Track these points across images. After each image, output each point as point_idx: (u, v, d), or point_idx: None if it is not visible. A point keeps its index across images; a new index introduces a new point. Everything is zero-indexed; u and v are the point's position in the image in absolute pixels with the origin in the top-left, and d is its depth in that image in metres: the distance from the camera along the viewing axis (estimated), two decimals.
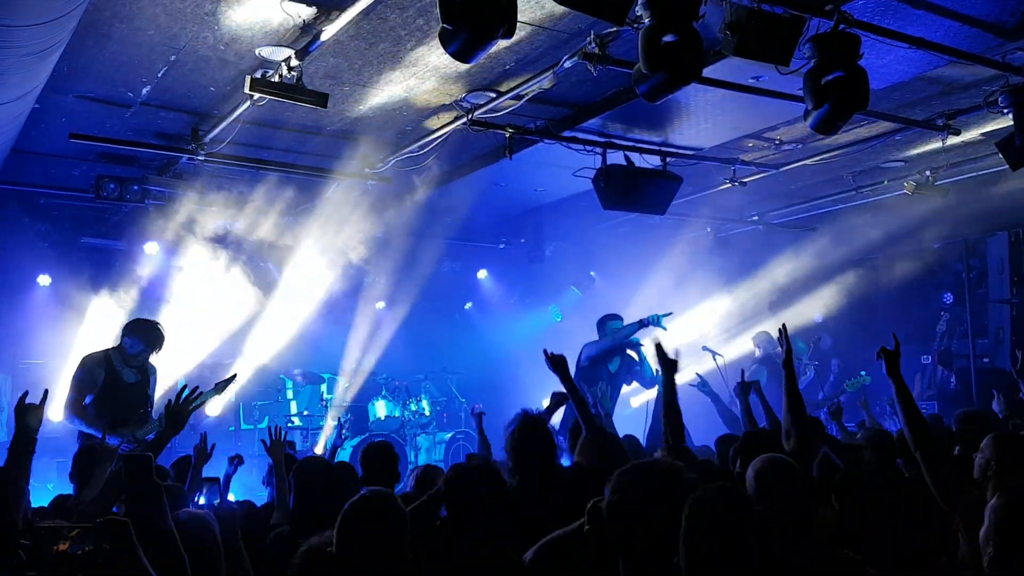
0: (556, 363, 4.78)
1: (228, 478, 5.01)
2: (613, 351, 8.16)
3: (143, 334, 6.16)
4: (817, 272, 11.06)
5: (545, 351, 4.84)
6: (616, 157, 7.57)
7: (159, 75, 6.07)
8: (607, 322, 8.35)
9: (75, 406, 5.93)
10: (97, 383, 6.01)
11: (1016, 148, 6.40)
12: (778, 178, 8.87)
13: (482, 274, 12.89)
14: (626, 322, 8.21)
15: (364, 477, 4.45)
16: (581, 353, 8.02)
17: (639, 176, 7.61)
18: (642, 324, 7.93)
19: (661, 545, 2.45)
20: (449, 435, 11.29)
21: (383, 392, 11.29)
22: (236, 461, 5.18)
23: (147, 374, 6.30)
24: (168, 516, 3.09)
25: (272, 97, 5.60)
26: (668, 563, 2.42)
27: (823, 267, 10.99)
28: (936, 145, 7.66)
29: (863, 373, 8.84)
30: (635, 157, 7.62)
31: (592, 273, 12.73)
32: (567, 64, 5.60)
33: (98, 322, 9.64)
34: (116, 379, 6.09)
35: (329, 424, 10.76)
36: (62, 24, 4.24)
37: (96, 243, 10.07)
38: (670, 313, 8.04)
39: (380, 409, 11.06)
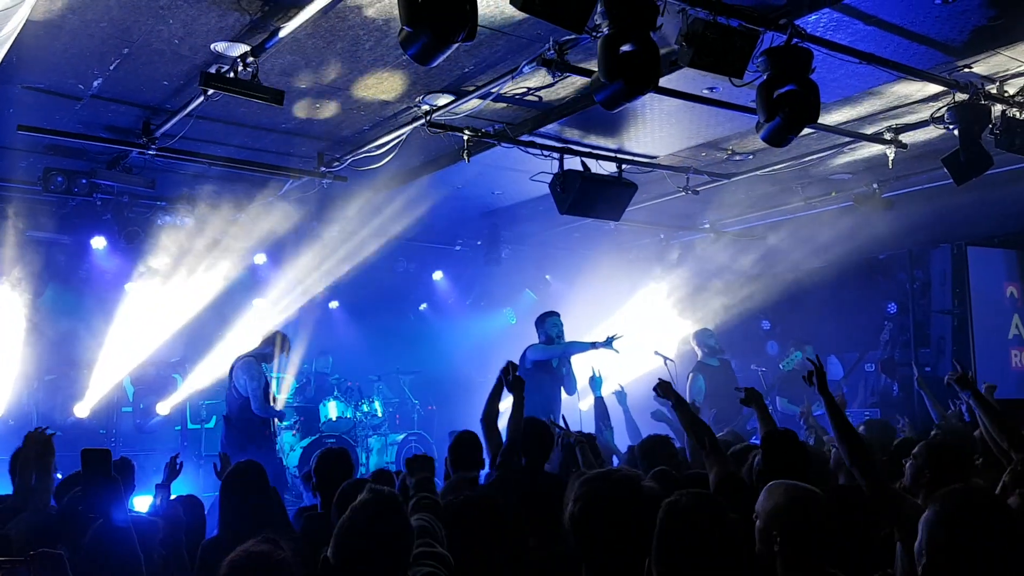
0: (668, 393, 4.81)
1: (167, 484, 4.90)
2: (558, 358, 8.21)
3: None
4: (765, 280, 11.26)
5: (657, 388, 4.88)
6: (573, 163, 7.62)
7: (111, 68, 5.96)
8: (546, 319, 8.37)
9: None
10: None
11: (961, 164, 6.56)
12: (730, 187, 9.02)
13: (437, 275, 12.87)
14: (570, 329, 8.24)
15: (318, 484, 4.40)
16: (525, 354, 8.04)
17: (595, 182, 7.67)
18: (594, 346, 7.98)
19: (624, 553, 2.43)
20: (401, 436, 11.25)
21: (335, 393, 11.22)
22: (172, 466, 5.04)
23: None
24: (126, 513, 3.02)
25: (227, 93, 5.54)
26: (633, 571, 2.40)
27: (772, 276, 11.20)
28: (883, 159, 7.85)
29: (794, 351, 9.07)
30: (591, 163, 7.68)
31: (547, 277, 12.80)
32: (526, 69, 5.63)
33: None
34: None
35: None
36: (9, 15, 4.15)
37: (41, 236, 9.85)
38: (621, 336, 8.04)
39: (332, 410, 10.99)
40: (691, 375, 9.27)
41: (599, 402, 7.08)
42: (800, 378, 4.34)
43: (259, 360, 7.89)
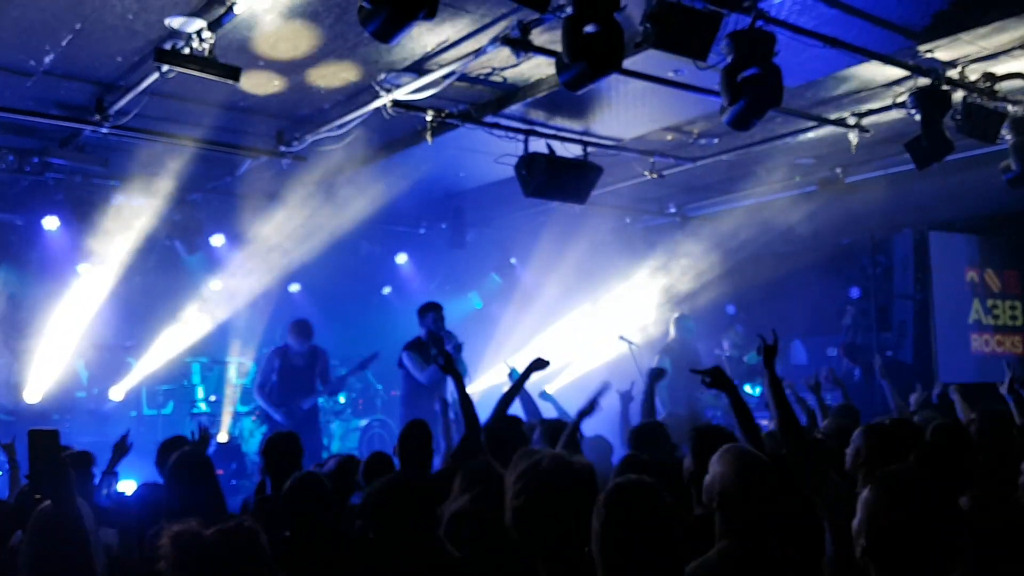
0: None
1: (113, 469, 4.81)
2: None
3: None
4: (730, 264, 11.31)
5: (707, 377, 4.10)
6: (538, 145, 7.56)
7: (63, 43, 5.77)
8: (428, 312, 8.04)
9: None
10: None
11: (923, 148, 6.63)
12: (695, 171, 9.02)
13: (401, 258, 12.74)
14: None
15: (266, 467, 4.34)
16: (402, 357, 7.97)
17: (560, 165, 7.62)
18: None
19: (570, 539, 2.45)
20: (365, 422, 11.15)
21: None
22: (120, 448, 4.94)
23: None
24: (75, 499, 2.93)
25: (182, 70, 5.39)
26: (579, 555, 2.42)
27: (736, 260, 11.25)
28: (846, 143, 7.89)
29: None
30: (557, 146, 7.63)
31: (512, 260, 12.74)
32: (489, 49, 5.55)
33: None
34: None
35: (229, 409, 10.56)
36: None
37: None
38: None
39: None
40: (658, 355, 9.28)
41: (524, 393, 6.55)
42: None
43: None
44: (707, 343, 10.79)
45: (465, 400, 4.59)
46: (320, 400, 10.74)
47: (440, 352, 4.33)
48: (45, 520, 2.98)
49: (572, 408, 5.37)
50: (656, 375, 6.22)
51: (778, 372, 3.79)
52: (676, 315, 10.07)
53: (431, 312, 8.00)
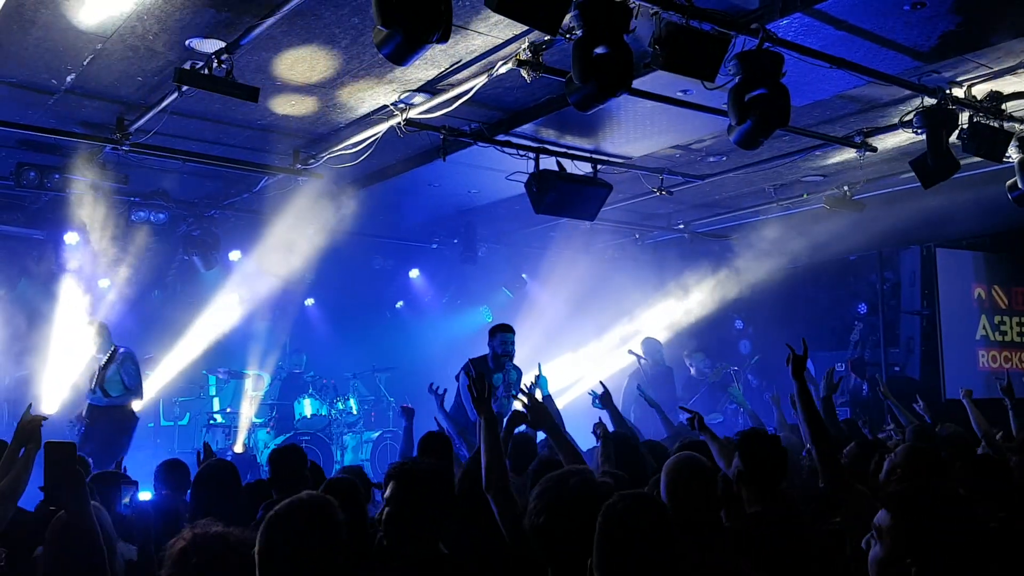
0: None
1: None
2: None
3: None
4: (739, 281, 11.38)
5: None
6: (549, 163, 7.66)
7: (84, 63, 5.92)
8: (497, 334, 7.47)
9: None
10: None
11: (929, 167, 6.66)
12: (703, 188, 9.11)
13: (414, 273, 12.87)
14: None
15: (272, 481, 4.40)
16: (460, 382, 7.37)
17: (570, 182, 7.72)
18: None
19: (584, 553, 2.41)
20: (376, 434, 11.25)
21: (310, 390, 11.20)
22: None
23: None
24: (89, 509, 2.97)
25: (201, 90, 5.52)
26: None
27: (745, 276, 11.32)
28: (854, 161, 7.97)
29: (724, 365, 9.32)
30: (567, 163, 7.72)
31: (523, 275, 12.85)
32: (501, 70, 5.66)
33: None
34: None
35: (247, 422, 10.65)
36: None
37: (13, 231, 9.76)
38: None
39: (307, 407, 10.98)
40: (627, 379, 9.32)
41: (548, 400, 6.60)
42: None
43: None
44: (714, 359, 10.83)
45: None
46: (324, 409, 10.85)
47: (473, 384, 4.11)
48: (61, 530, 3.04)
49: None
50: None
51: (782, 388, 3.87)
52: (643, 338, 10.07)
53: (500, 334, 7.44)
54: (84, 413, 7.98)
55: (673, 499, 3.05)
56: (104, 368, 7.96)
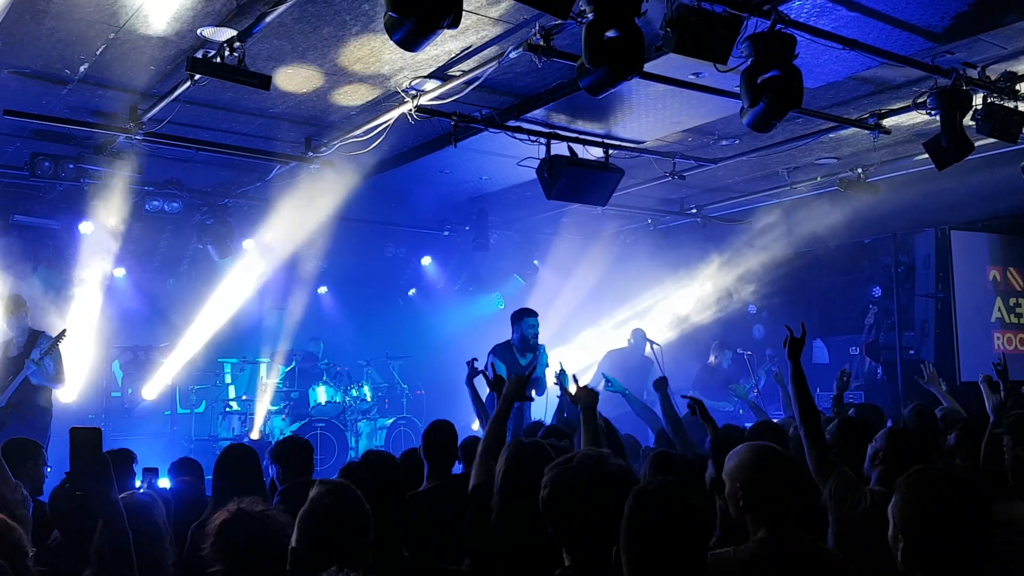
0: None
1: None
2: None
3: None
4: (752, 264, 11.36)
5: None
6: (560, 148, 7.65)
7: (97, 53, 5.95)
8: (524, 317, 7.70)
9: None
10: None
11: (943, 149, 6.61)
12: (716, 172, 9.08)
13: (426, 260, 12.90)
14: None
15: (280, 472, 4.47)
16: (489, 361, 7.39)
17: (582, 167, 7.70)
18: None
19: (598, 534, 2.46)
20: (390, 421, 11.31)
21: (324, 378, 11.26)
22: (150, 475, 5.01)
23: None
24: (116, 496, 2.95)
25: (213, 78, 5.54)
26: (608, 552, 2.41)
27: (758, 260, 11.29)
28: (868, 143, 7.91)
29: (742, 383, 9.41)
30: (578, 148, 7.70)
31: (535, 262, 12.86)
32: (512, 55, 5.65)
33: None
34: None
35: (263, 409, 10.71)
36: None
37: (28, 221, 9.84)
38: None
39: (321, 395, 11.04)
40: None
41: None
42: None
43: None
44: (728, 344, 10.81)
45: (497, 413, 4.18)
46: (338, 397, 10.90)
47: (491, 384, 4.21)
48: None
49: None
50: (662, 385, 6.09)
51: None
52: (634, 327, 10.23)
53: (526, 318, 7.66)
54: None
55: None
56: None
